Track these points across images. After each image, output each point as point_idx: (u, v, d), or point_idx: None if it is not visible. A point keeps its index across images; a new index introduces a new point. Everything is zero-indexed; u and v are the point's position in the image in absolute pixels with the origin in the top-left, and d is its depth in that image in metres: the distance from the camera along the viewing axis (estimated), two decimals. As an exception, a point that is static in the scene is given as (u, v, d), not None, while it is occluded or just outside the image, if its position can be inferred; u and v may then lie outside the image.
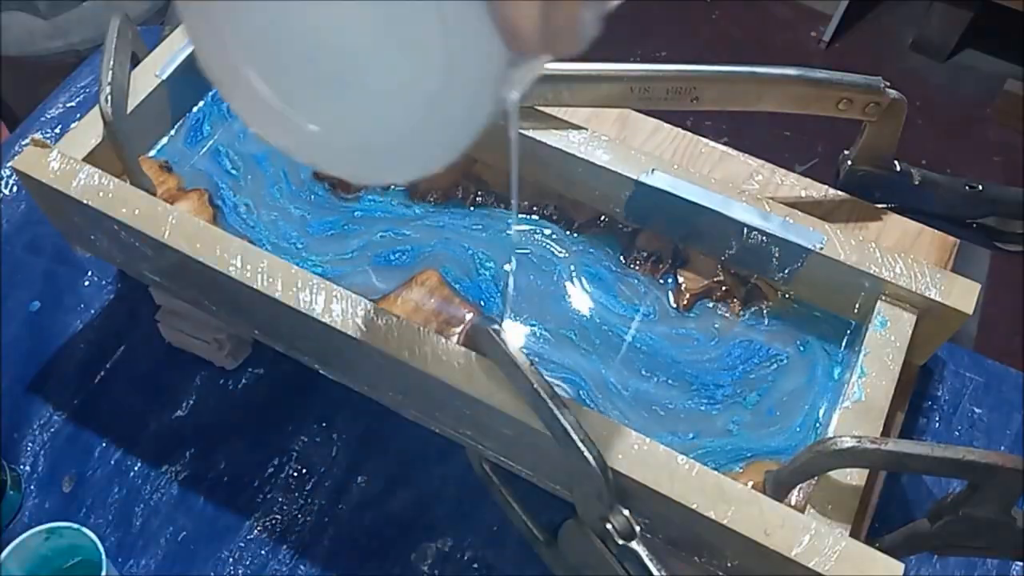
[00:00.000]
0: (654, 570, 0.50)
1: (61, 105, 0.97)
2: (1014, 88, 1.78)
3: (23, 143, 0.94)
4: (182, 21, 0.42)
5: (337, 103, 0.39)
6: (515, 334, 0.66)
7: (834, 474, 0.54)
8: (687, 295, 0.68)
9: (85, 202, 0.63)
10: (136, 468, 0.76)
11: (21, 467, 0.76)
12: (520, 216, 0.71)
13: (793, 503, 0.56)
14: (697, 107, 0.65)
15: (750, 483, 0.56)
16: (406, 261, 0.69)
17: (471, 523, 0.73)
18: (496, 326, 0.53)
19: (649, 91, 0.65)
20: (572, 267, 0.69)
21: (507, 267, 0.64)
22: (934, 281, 0.61)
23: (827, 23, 1.93)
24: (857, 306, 0.65)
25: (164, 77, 0.71)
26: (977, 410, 0.80)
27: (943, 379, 0.82)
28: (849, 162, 0.69)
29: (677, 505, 0.51)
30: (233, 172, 0.73)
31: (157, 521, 0.74)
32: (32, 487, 0.75)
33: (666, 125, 0.76)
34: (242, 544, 0.73)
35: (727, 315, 0.67)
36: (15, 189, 0.91)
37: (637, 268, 0.69)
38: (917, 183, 0.69)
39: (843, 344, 0.65)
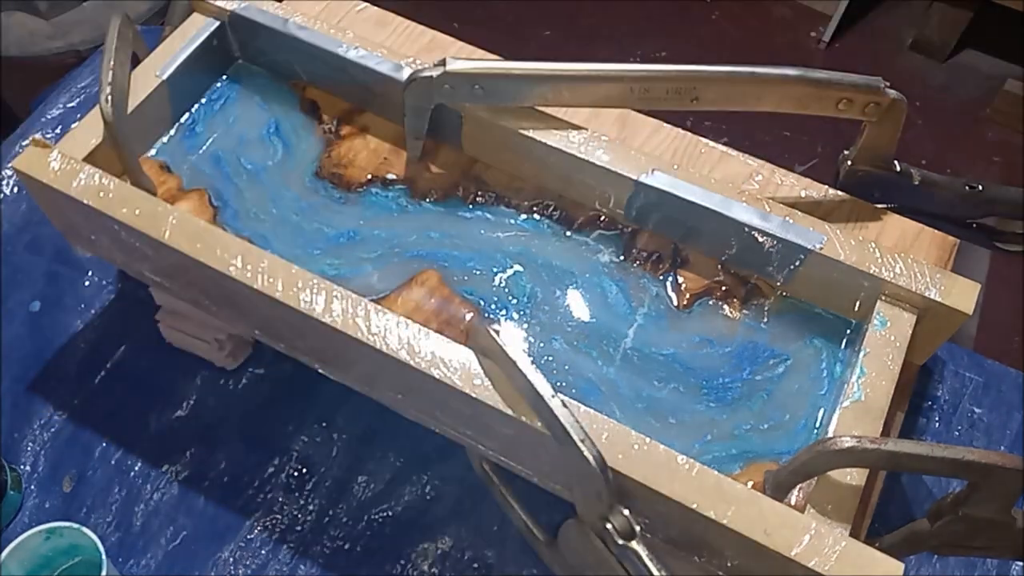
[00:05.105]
0: (654, 570, 0.50)
1: (61, 105, 0.97)
2: (1014, 88, 1.78)
3: (23, 143, 0.94)
4: None
5: None
6: (517, 338, 0.66)
7: (834, 474, 0.54)
8: (687, 295, 0.68)
9: (85, 202, 0.63)
10: (136, 468, 0.76)
11: (21, 467, 0.76)
12: (520, 216, 0.71)
13: (793, 503, 0.57)
14: (697, 107, 0.65)
15: (750, 483, 0.56)
16: (406, 261, 0.69)
17: (471, 523, 0.73)
18: (496, 326, 0.53)
19: (649, 91, 0.65)
20: (572, 268, 0.69)
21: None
22: (934, 281, 0.61)
23: (827, 23, 1.92)
24: (857, 306, 0.65)
25: (164, 77, 0.71)
26: (977, 410, 0.80)
27: (943, 379, 0.82)
28: (849, 162, 0.69)
29: (677, 505, 0.51)
30: (234, 178, 0.73)
31: (157, 521, 0.74)
32: (32, 487, 0.75)
33: (666, 125, 0.76)
34: (242, 544, 0.73)
35: (728, 315, 0.67)
36: (16, 189, 0.91)
37: (637, 268, 0.69)
38: (917, 183, 0.69)
39: (843, 343, 0.65)
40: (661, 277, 0.69)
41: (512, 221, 0.71)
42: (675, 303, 0.67)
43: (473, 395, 0.55)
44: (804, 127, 1.77)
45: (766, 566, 0.52)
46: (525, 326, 0.66)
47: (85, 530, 0.64)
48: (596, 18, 1.96)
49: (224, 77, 0.78)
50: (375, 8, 0.83)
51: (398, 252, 0.69)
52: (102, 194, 0.63)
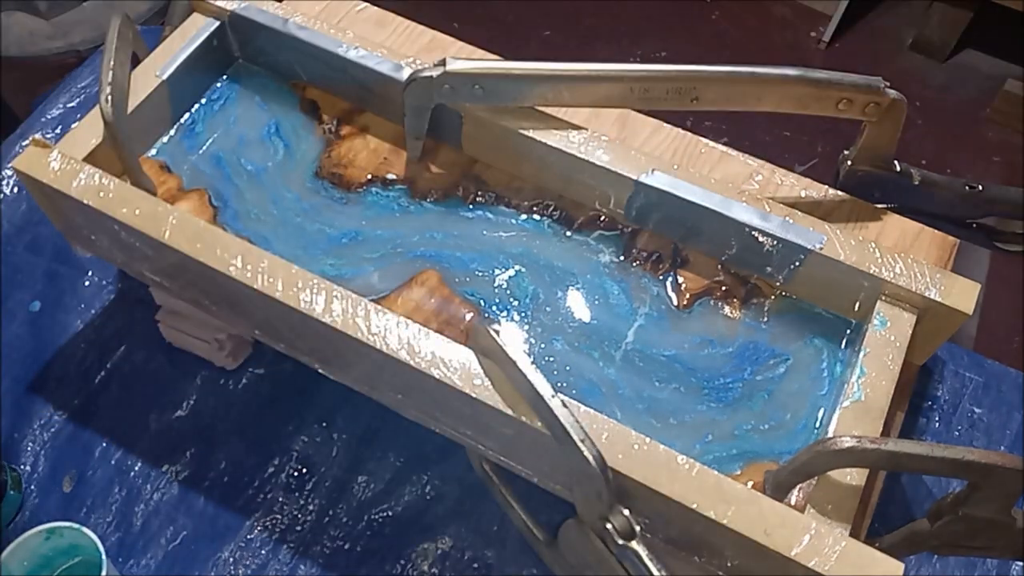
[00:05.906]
0: (654, 570, 0.50)
1: (61, 105, 0.97)
2: (1014, 88, 1.78)
3: (23, 143, 0.94)
4: None
5: None
6: (518, 339, 0.66)
7: (834, 474, 0.54)
8: (687, 295, 0.68)
9: (85, 202, 0.63)
10: (136, 468, 0.76)
11: (21, 467, 0.76)
12: (521, 216, 0.71)
13: (793, 503, 0.56)
14: (697, 107, 0.65)
15: (750, 483, 0.56)
16: (408, 261, 0.69)
17: (471, 523, 0.73)
18: (496, 326, 0.53)
19: (649, 91, 0.65)
20: (573, 269, 0.69)
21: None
22: (934, 281, 0.61)
23: (827, 23, 1.92)
24: (857, 306, 0.65)
25: (164, 77, 0.71)
26: (977, 410, 0.80)
27: (943, 379, 0.82)
28: (849, 162, 0.69)
29: (677, 505, 0.51)
30: (234, 179, 0.73)
31: (157, 521, 0.74)
32: (32, 487, 0.75)
33: (666, 125, 0.76)
34: (242, 544, 0.73)
35: (728, 315, 0.67)
36: (16, 189, 0.91)
37: (637, 268, 0.69)
38: (917, 183, 0.69)
39: (844, 343, 0.65)
40: (661, 277, 0.69)
41: (513, 221, 0.71)
42: (675, 303, 0.67)
43: (473, 395, 0.55)
44: (804, 127, 1.77)
45: (766, 566, 0.52)
46: (526, 327, 0.66)
47: (85, 530, 0.64)
48: (596, 18, 1.96)
49: (224, 77, 0.78)
50: (375, 8, 0.83)
51: (400, 252, 0.69)
52: (102, 194, 0.63)
